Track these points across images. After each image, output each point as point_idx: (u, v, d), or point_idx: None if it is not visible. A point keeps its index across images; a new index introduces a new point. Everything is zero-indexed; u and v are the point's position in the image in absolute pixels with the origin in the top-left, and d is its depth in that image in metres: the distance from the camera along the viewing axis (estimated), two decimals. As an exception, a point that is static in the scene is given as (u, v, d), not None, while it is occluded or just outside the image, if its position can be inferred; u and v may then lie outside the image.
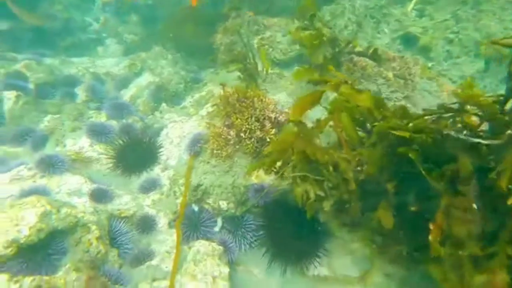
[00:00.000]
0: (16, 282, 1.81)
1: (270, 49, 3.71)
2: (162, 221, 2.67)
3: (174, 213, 2.69)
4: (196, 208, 2.61)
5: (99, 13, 6.26)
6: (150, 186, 2.95)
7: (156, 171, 3.13)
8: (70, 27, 5.57)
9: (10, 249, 1.87)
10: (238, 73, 3.49)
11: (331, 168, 1.84)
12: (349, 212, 1.95)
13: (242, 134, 2.47)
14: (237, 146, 2.54)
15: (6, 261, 1.87)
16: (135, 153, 3.12)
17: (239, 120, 2.45)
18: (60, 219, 2.12)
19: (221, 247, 2.36)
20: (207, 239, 2.50)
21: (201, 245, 2.32)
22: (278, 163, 2.15)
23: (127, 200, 2.79)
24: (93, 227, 2.25)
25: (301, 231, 2.42)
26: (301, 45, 2.98)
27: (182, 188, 2.69)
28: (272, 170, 2.36)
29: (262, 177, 2.44)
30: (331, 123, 1.94)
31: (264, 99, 2.52)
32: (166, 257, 2.35)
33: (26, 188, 2.58)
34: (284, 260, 2.48)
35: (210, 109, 3.39)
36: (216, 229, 2.61)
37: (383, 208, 1.71)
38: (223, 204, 2.55)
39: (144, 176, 3.11)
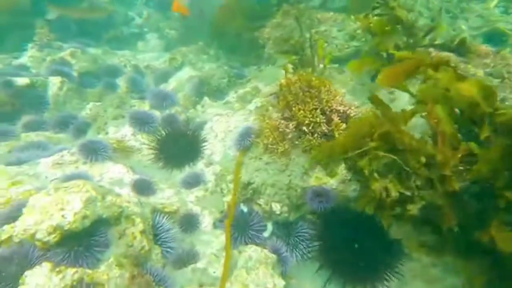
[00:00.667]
0: (59, 272, 1.65)
1: (325, 45, 3.48)
2: (207, 220, 2.46)
3: (220, 212, 2.47)
4: (245, 209, 2.38)
5: (142, 8, 6.33)
6: (193, 182, 2.76)
7: (199, 165, 2.94)
8: (113, 20, 5.64)
9: (53, 235, 1.72)
10: (289, 67, 3.28)
11: (422, 160, 1.55)
12: (439, 224, 1.64)
13: (304, 128, 2.23)
14: (296, 142, 2.30)
15: (49, 249, 1.72)
16: (178, 146, 2.96)
17: (301, 111, 2.22)
18: (105, 207, 1.96)
19: (274, 256, 2.11)
20: (256, 244, 2.26)
21: (252, 251, 2.08)
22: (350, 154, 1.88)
23: (169, 194, 2.61)
24: (138, 220, 2.07)
25: (366, 246, 2.12)
26: (370, 33, 2.71)
27: (230, 186, 2.48)
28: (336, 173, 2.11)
29: (323, 179, 2.18)
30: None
31: (331, 90, 2.27)
32: (213, 261, 2.12)
33: (68, 174, 2.46)
34: (344, 279, 2.19)
35: (259, 104, 3.19)
36: (266, 234, 2.36)
37: (496, 225, 1.38)
38: (276, 207, 2.30)
39: (187, 170, 2.93)
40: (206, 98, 3.87)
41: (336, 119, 2.17)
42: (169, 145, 2.96)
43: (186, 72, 4.69)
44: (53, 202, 1.79)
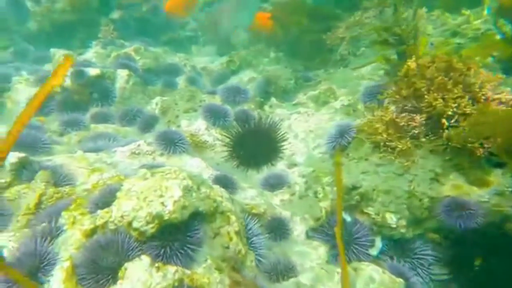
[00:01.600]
0: (159, 269, 1.39)
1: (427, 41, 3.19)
2: (299, 228, 2.15)
3: (316, 220, 2.16)
4: (348, 218, 2.06)
5: (197, 12, 6.40)
6: (275, 183, 2.48)
7: (279, 166, 2.68)
8: (171, 22, 5.69)
9: (151, 225, 1.48)
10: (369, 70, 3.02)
11: None
12: None
13: (444, 121, 1.87)
14: (423, 139, 1.97)
15: (146, 241, 1.48)
16: (253, 144, 2.71)
17: (439, 101, 1.87)
18: (201, 199, 1.71)
19: (401, 280, 1.74)
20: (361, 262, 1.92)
21: (372, 270, 1.74)
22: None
23: (253, 194, 2.35)
24: (233, 218, 1.81)
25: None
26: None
27: (328, 189, 2.17)
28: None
29: (464, 189, 1.82)
30: None
31: (483, 73, 1.91)
32: (322, 276, 1.79)
33: (147, 165, 2.27)
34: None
35: (347, 102, 2.92)
36: (374, 252, 2.01)
37: None
38: (391, 219, 1.95)
39: (265, 171, 2.67)
40: (273, 99, 3.65)
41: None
42: (244, 143, 2.73)
43: (247, 74, 4.56)
44: (152, 187, 1.57)
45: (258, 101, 3.74)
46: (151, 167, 2.06)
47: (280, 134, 2.81)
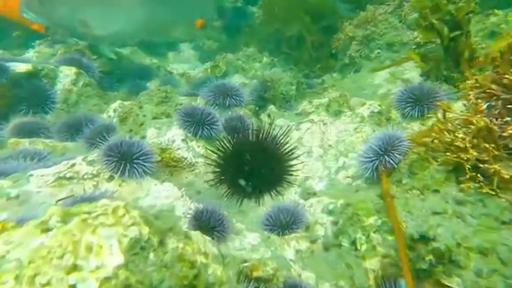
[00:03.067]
0: None
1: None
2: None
3: None
4: None
5: (175, 16, 5.73)
6: (286, 222, 1.68)
7: (290, 196, 1.89)
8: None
9: None
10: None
11: None
12: None
13: None
14: None
15: None
16: (252, 163, 1.93)
17: None
18: (165, 265, 0.89)
19: None
20: None
21: None
22: None
23: (253, 241, 1.53)
24: (227, 297, 0.98)
25: None
26: None
27: (374, 237, 1.39)
28: None
29: None
30: None
31: None
32: None
33: (77, 197, 1.43)
34: None
35: (377, 108, 2.22)
36: None
37: None
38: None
39: (269, 203, 1.87)
40: (272, 107, 2.92)
41: None
42: (238, 161, 1.94)
43: (236, 80, 3.85)
44: (57, 249, 0.74)
45: (253, 109, 3.00)
46: (82, 202, 1.23)
47: (288, 149, 2.05)
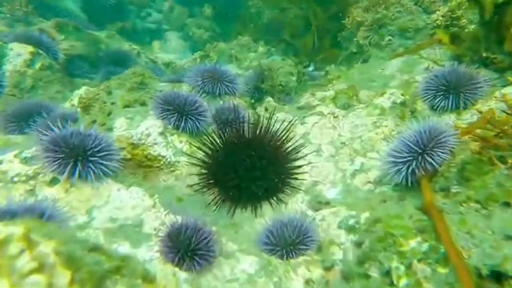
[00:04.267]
0: None
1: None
2: None
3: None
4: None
5: (162, 3, 5.31)
6: (291, 240, 1.31)
7: (295, 205, 1.51)
8: (123, 8, 4.54)
9: None
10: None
11: None
12: None
13: None
14: None
15: None
16: (248, 163, 1.55)
17: None
18: None
19: None
20: None
21: None
22: None
23: (249, 267, 1.15)
24: None
25: None
26: None
27: (419, 268, 1.02)
28: None
29: None
30: None
31: None
32: None
33: (4, 209, 1.02)
34: None
35: (400, 99, 1.86)
36: None
37: None
38: None
39: (267, 213, 1.50)
40: (270, 99, 2.55)
41: None
42: (230, 161, 1.56)
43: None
44: None
45: (248, 102, 2.62)
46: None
47: (291, 147, 1.67)
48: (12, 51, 2.22)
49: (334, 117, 1.88)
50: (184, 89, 2.01)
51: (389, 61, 2.67)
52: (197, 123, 1.68)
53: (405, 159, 1.28)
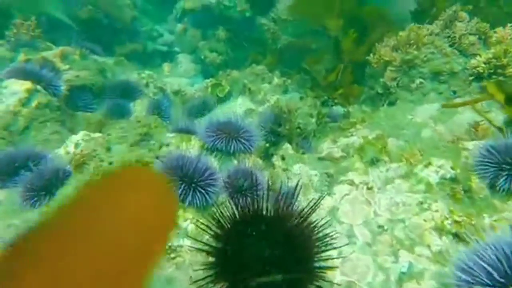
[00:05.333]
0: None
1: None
2: None
3: None
4: None
5: (174, 24, 5.13)
6: None
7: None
8: (134, 30, 4.35)
9: None
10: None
11: None
12: None
13: None
14: None
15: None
16: (261, 255, 1.26)
17: None
18: None
19: None
20: None
21: None
22: None
23: None
24: None
25: None
26: None
27: None
28: None
29: None
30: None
31: None
32: None
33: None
34: None
35: (449, 173, 1.56)
36: None
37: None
38: None
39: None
40: (287, 146, 2.28)
41: None
42: (243, 246, 1.27)
43: (241, 104, 3.22)
44: None
45: (263, 149, 2.35)
46: None
47: (316, 228, 1.38)
48: (6, 89, 1.99)
49: (368, 188, 1.60)
50: (194, 144, 1.74)
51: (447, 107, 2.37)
52: (206, 195, 1.41)
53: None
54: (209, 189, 1.42)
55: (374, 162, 1.90)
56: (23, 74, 2.14)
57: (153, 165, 1.50)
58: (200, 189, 1.40)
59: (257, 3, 4.51)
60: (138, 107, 2.89)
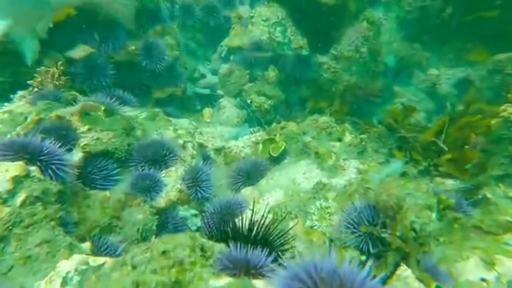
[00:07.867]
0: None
1: None
2: None
3: None
4: None
5: (219, 63, 4.53)
6: None
7: None
8: (174, 72, 3.75)
9: None
10: None
11: None
12: None
13: None
14: None
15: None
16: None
17: None
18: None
19: None
20: None
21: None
22: None
23: None
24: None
25: None
26: None
27: None
28: None
29: None
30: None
31: None
32: None
33: None
34: None
35: None
36: None
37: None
38: None
39: None
40: (407, 272, 1.37)
41: None
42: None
43: (306, 172, 2.38)
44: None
45: (357, 258, 1.46)
46: None
47: None
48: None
49: None
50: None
51: None
52: None
53: None
54: None
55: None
56: (17, 148, 1.47)
57: None
58: None
59: (317, 39, 3.77)
60: (172, 179, 2.16)
